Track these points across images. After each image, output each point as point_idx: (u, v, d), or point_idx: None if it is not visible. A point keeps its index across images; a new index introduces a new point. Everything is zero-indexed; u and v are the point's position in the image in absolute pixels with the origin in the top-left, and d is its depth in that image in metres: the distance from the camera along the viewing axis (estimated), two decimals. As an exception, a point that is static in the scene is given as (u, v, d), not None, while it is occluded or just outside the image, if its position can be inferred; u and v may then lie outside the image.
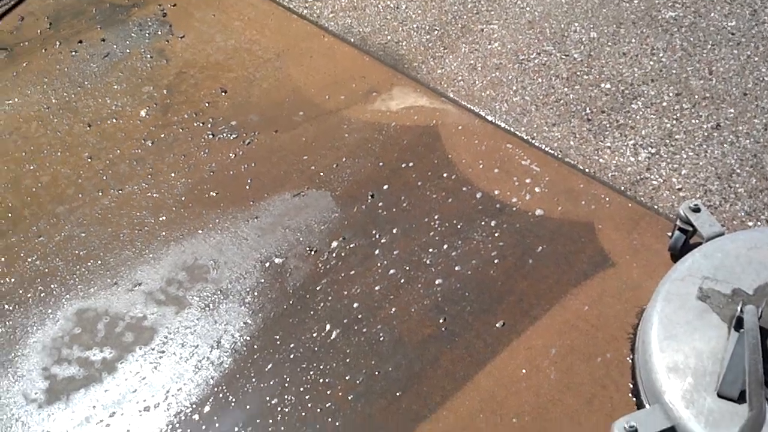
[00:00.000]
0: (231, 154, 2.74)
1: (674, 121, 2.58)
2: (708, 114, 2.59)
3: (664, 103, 2.65)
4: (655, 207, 2.34)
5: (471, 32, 3.08)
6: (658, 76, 2.75)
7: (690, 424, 1.64)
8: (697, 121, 2.58)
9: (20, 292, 2.39)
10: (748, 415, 1.50)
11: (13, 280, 2.42)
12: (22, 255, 2.49)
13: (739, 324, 1.73)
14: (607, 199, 2.39)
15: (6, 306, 2.36)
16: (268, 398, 2.03)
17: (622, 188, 2.41)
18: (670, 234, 2.20)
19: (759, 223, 2.26)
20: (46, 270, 2.43)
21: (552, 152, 2.56)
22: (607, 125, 2.61)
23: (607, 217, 2.34)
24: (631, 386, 1.93)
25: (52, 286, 2.39)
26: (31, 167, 2.78)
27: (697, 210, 2.08)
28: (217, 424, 2.01)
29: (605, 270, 2.20)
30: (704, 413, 1.65)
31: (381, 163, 2.62)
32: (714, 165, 2.43)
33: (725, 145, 2.48)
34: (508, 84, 2.83)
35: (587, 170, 2.48)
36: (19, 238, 2.55)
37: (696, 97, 2.66)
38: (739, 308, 1.74)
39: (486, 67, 2.92)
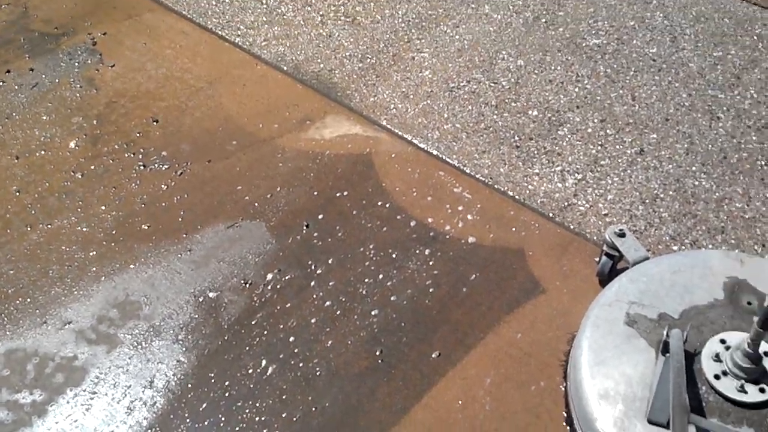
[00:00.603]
0: (163, 186, 2.70)
1: (599, 147, 2.66)
2: (632, 140, 2.68)
3: (590, 130, 2.73)
4: (583, 232, 2.40)
5: (402, 60, 3.12)
6: (583, 103, 2.83)
7: (620, 451, 1.68)
8: (621, 146, 2.66)
9: (-57, 334, 2.32)
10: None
11: (-65, 322, 2.35)
12: (-56, 295, 2.42)
13: (665, 348, 1.78)
14: (537, 225, 2.44)
15: (-72, 350, 2.28)
16: (203, 438, 2.01)
17: (551, 214, 2.46)
18: (597, 259, 2.26)
19: (683, 247, 2.34)
20: (-29, 311, 2.36)
21: (483, 179, 2.60)
22: (535, 152, 2.67)
23: (537, 244, 2.39)
24: (565, 414, 1.97)
25: (-23, 327, 2.32)
26: (-46, 203, 2.71)
27: (622, 235, 2.14)
28: (151, 466, 1.97)
29: (536, 296, 2.25)
30: (634, 439, 1.69)
31: (315, 192, 2.63)
32: (638, 190, 2.51)
33: (649, 171, 2.57)
34: (440, 112, 2.87)
35: (517, 197, 2.53)
36: (-59, 278, 2.47)
37: (620, 123, 2.75)
38: (665, 333, 1.79)
39: (417, 95, 2.96)
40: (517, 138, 2.74)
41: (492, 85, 2.96)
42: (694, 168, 2.56)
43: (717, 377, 1.73)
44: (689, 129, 2.70)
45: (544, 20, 3.22)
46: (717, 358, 1.76)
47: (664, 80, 2.91)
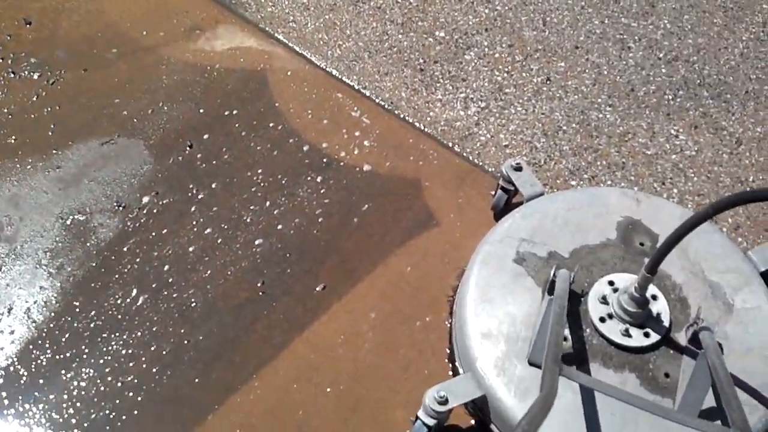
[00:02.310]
0: (33, 95, 2.45)
1: (505, 74, 2.54)
2: (539, 67, 2.57)
3: (497, 55, 2.60)
4: (482, 164, 2.30)
5: (305, -31, 2.90)
6: (492, 26, 2.70)
7: (499, 393, 1.62)
8: (527, 74, 2.54)
9: None
10: (538, 396, 1.44)
11: None
12: None
13: (551, 289, 1.69)
14: (436, 154, 2.32)
15: None
16: (63, 371, 1.85)
17: (451, 144, 2.35)
18: (493, 192, 2.16)
19: (582, 182, 2.27)
20: None
21: (383, 104, 2.46)
22: (440, 76, 2.53)
23: (435, 174, 2.27)
24: (448, 351, 1.90)
25: None
26: None
27: (519, 169, 2.04)
28: (6, 401, 1.81)
29: (429, 229, 2.15)
30: (514, 382, 1.63)
31: (202, 110, 2.43)
32: (541, 121, 2.41)
33: (554, 101, 2.47)
34: (342, 27, 2.69)
35: (417, 124, 2.40)
36: None
37: (528, 48, 2.63)
38: (552, 272, 1.71)
39: (319, 7, 2.76)
40: (421, 60, 2.59)
41: (398, 1, 2.78)
42: (599, 100, 2.48)
43: (602, 320, 1.68)
44: (598, 59, 2.61)
45: (458, -65, 3.04)
46: (604, 300, 1.71)
47: (578, 5, 2.79)
